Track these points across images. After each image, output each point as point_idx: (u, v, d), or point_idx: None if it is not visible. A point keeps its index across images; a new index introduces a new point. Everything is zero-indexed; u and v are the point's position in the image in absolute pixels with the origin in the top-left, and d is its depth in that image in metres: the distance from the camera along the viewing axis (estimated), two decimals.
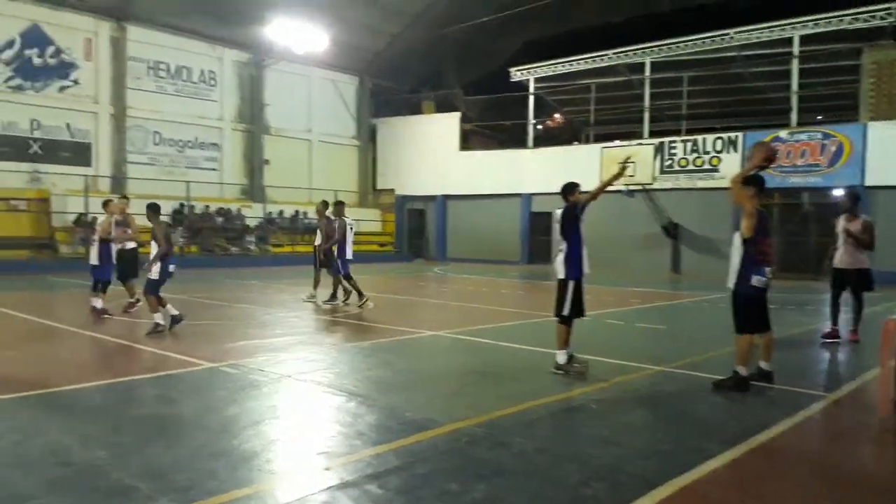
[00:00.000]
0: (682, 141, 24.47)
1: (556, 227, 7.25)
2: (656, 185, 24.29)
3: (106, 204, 11.20)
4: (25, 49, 21.98)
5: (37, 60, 22.25)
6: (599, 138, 29.91)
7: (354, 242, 12.88)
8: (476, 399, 6.02)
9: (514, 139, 30.01)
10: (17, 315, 10.91)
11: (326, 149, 30.61)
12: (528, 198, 27.97)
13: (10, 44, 21.66)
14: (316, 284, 12.92)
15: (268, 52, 27.03)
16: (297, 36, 24.75)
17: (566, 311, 6.96)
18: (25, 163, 21.99)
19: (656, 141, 24.78)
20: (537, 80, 27.94)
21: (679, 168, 24.16)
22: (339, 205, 12.86)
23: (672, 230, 23.99)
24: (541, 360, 7.57)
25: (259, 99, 27.94)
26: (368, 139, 32.31)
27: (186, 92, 26.02)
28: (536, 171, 27.38)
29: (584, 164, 25.47)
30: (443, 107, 31.05)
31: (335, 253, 12.36)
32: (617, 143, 26.10)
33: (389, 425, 5.14)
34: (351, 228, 12.57)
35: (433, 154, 30.32)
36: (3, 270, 18.20)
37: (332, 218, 12.64)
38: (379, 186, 32.48)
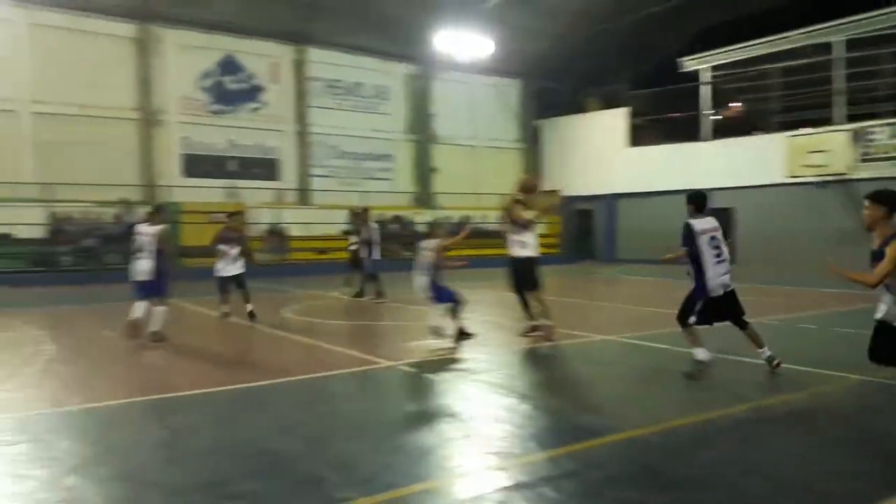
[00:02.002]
0: (884, 125, 21.91)
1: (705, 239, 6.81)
2: (853, 176, 21.97)
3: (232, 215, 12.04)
4: (222, 76, 24.47)
5: (231, 86, 24.68)
6: (784, 126, 27.61)
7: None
8: (652, 406, 5.80)
9: (686, 132, 28.53)
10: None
11: (491, 154, 30.96)
12: None
13: (209, 73, 24.23)
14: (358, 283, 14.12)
15: (434, 63, 27.92)
16: (462, 45, 25.31)
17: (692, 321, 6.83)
18: (224, 179, 24.46)
19: (852, 126, 22.42)
20: (712, 68, 26.38)
21: (881, 156, 21.67)
22: (365, 211, 14.37)
23: None
24: (724, 367, 7.12)
25: (427, 109, 28.93)
26: (532, 141, 32.29)
27: (361, 107, 27.57)
28: (713, 164, 25.84)
29: (766, 154, 23.72)
30: (608, 103, 30.27)
31: (368, 254, 13.68)
32: (805, 130, 23.94)
33: (562, 429, 5.10)
34: (377, 231, 14.03)
35: (599, 152, 29.62)
36: (207, 277, 20.31)
37: (363, 223, 14.01)
38: (544, 188, 32.31)
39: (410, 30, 26.14)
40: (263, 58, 25.28)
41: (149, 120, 22.86)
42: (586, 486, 3.91)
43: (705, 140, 26.65)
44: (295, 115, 25.87)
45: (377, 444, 4.68)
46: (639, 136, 29.65)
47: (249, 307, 10.77)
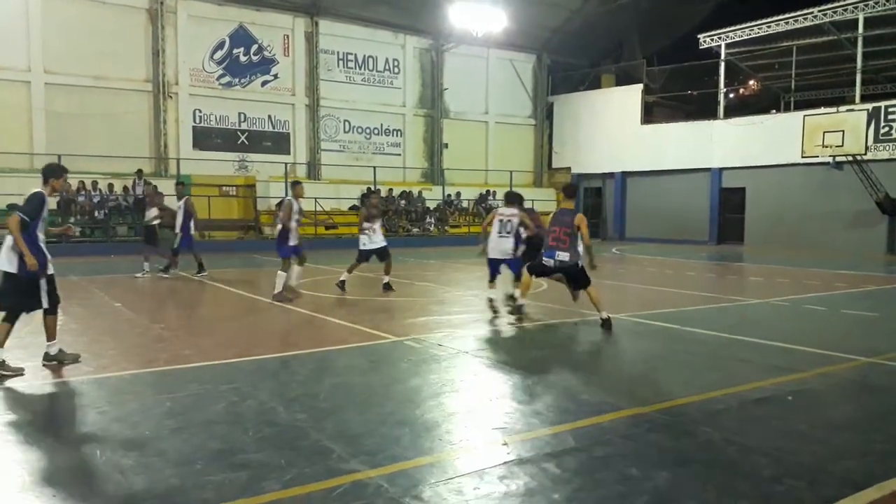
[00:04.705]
0: None
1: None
2: (869, 156, 21.69)
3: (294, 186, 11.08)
4: (233, 49, 24.35)
5: (243, 58, 24.55)
6: (801, 105, 27.25)
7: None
8: (657, 384, 5.80)
9: (702, 110, 28.21)
10: (230, 290, 12.22)
11: (502, 129, 30.77)
12: (717, 172, 26.24)
13: (221, 45, 24.10)
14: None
15: (448, 36, 27.64)
16: (476, 18, 25.03)
17: None
18: (235, 152, 24.46)
19: (870, 106, 22.09)
20: (729, 45, 25.99)
21: None
22: (180, 185, 14.21)
23: (889, 206, 21.32)
24: (730, 346, 7.11)
25: (439, 84, 28.71)
26: (545, 117, 32.03)
27: (372, 81, 27.39)
28: (728, 143, 25.60)
29: (782, 133, 23.47)
30: (624, 79, 29.93)
31: (183, 230, 13.38)
32: (822, 109, 23.61)
33: (567, 406, 5.11)
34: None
35: (612, 129, 29.37)
36: (217, 249, 20.40)
37: (176, 198, 13.63)
38: (554, 165, 32.12)
39: (424, 2, 25.85)
40: (276, 30, 25.11)
41: (160, 92, 22.83)
42: (589, 462, 3.93)
43: (720, 118, 26.36)
44: (306, 89, 25.75)
45: (382, 418, 4.71)
46: (654, 113, 29.37)
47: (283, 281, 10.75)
